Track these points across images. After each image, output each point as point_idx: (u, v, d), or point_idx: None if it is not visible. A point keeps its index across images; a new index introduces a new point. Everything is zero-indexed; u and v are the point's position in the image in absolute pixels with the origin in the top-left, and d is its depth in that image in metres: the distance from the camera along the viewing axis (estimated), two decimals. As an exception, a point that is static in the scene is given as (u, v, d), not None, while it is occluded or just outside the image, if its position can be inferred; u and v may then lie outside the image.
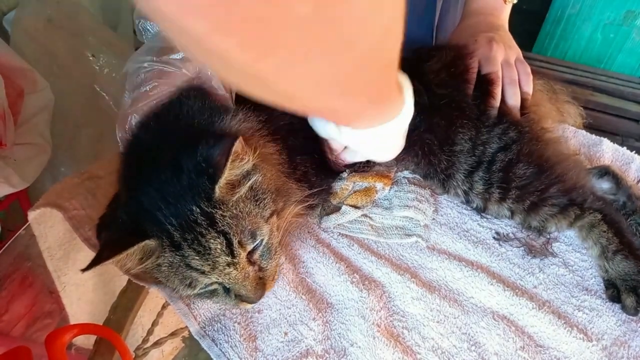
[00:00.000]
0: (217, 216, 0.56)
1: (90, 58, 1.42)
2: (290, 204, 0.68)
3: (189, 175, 0.57)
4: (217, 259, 0.57)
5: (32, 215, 0.76)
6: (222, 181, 0.56)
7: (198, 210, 0.56)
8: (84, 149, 1.45)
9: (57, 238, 0.78)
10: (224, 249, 0.57)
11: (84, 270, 0.55)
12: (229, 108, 0.70)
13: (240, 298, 0.62)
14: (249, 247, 0.59)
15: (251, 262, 0.61)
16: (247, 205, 0.60)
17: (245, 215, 0.59)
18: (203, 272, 0.57)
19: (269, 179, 0.64)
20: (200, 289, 0.60)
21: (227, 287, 0.61)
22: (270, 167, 0.66)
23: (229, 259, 0.57)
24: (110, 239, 0.57)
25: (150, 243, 0.56)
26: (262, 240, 0.61)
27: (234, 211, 0.58)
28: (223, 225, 0.57)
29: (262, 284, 0.62)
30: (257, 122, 0.69)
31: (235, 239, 0.57)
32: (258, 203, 0.61)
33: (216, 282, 0.60)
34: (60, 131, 1.43)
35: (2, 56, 1.22)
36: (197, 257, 0.56)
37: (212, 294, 0.62)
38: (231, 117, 0.66)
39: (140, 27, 0.81)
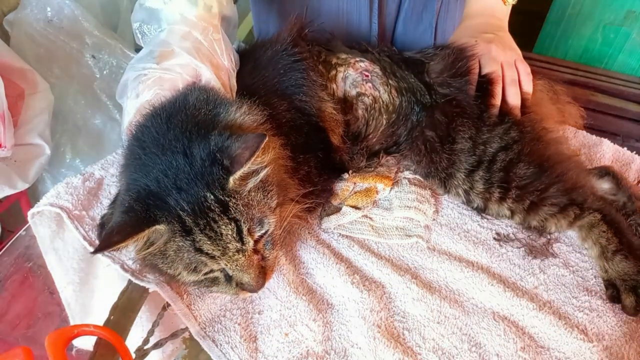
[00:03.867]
0: (231, 204, 0.58)
1: (90, 59, 1.42)
2: (287, 201, 0.69)
3: (202, 163, 0.58)
4: (227, 245, 0.58)
5: (32, 216, 0.77)
6: (239, 174, 0.58)
7: (212, 197, 0.57)
8: (84, 149, 1.45)
9: (58, 239, 0.78)
10: (234, 235, 0.58)
11: (93, 252, 0.57)
12: (233, 101, 0.70)
13: (242, 286, 0.63)
14: (257, 235, 0.61)
15: (255, 250, 0.62)
16: (258, 194, 0.62)
17: (255, 204, 0.61)
18: (213, 257, 0.58)
19: (273, 172, 0.65)
20: (204, 274, 0.61)
21: (230, 275, 0.62)
22: (273, 161, 0.66)
23: (239, 245, 0.59)
24: (118, 223, 0.57)
25: (160, 228, 0.57)
26: (268, 229, 0.63)
27: (246, 200, 0.60)
28: (235, 213, 0.58)
29: (263, 273, 0.63)
30: (262, 115, 0.70)
31: (245, 226, 0.59)
32: (266, 193, 0.63)
33: (219, 270, 0.61)
34: (60, 132, 1.43)
35: (2, 57, 1.22)
36: (209, 242, 0.57)
37: (212, 282, 0.63)
38: (236, 109, 0.67)
39: (138, 31, 0.80)
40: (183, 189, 0.57)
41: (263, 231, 0.62)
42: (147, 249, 0.59)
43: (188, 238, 0.57)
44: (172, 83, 0.72)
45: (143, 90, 0.71)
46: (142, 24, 0.79)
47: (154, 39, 0.77)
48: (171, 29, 0.75)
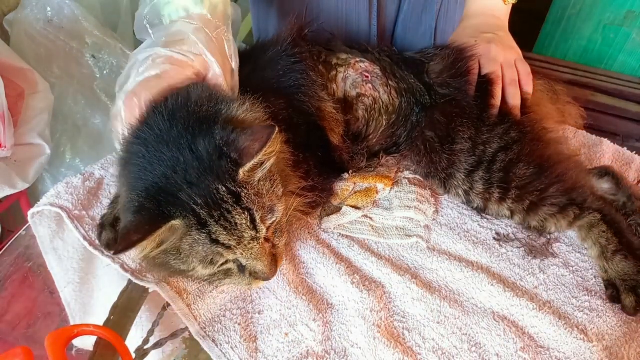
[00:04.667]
0: (243, 194, 0.59)
1: (90, 59, 1.42)
2: (288, 193, 0.70)
3: (209, 157, 0.59)
4: (243, 234, 0.59)
5: (32, 215, 0.77)
6: (249, 166, 0.59)
7: (224, 189, 0.58)
8: (84, 149, 1.45)
9: (58, 239, 0.78)
10: (248, 223, 0.59)
11: (115, 253, 0.59)
12: (237, 98, 0.70)
13: (256, 275, 0.64)
14: (268, 222, 0.62)
15: (267, 238, 0.64)
16: (266, 183, 0.63)
17: (265, 192, 0.62)
18: (229, 247, 0.59)
19: (275, 162, 0.66)
20: (219, 267, 0.61)
21: (243, 265, 0.63)
22: (276, 153, 0.67)
23: (253, 233, 0.60)
24: (133, 223, 0.57)
25: (176, 223, 0.57)
26: (278, 216, 0.64)
27: (257, 189, 0.61)
28: (248, 202, 0.59)
29: (275, 261, 0.64)
30: (264, 113, 0.70)
31: (258, 215, 0.60)
32: (272, 182, 0.64)
33: (233, 261, 0.62)
34: (61, 132, 1.43)
35: (2, 57, 1.22)
36: (225, 233, 0.58)
37: (225, 274, 0.64)
38: (238, 106, 0.67)
39: (147, 23, 0.78)
40: (194, 183, 0.58)
41: (274, 219, 0.63)
42: (158, 247, 0.59)
43: (204, 231, 0.58)
44: (182, 65, 0.69)
45: (150, 67, 0.69)
46: (149, 16, 0.78)
47: (166, 29, 0.74)
48: (184, 23, 0.74)
